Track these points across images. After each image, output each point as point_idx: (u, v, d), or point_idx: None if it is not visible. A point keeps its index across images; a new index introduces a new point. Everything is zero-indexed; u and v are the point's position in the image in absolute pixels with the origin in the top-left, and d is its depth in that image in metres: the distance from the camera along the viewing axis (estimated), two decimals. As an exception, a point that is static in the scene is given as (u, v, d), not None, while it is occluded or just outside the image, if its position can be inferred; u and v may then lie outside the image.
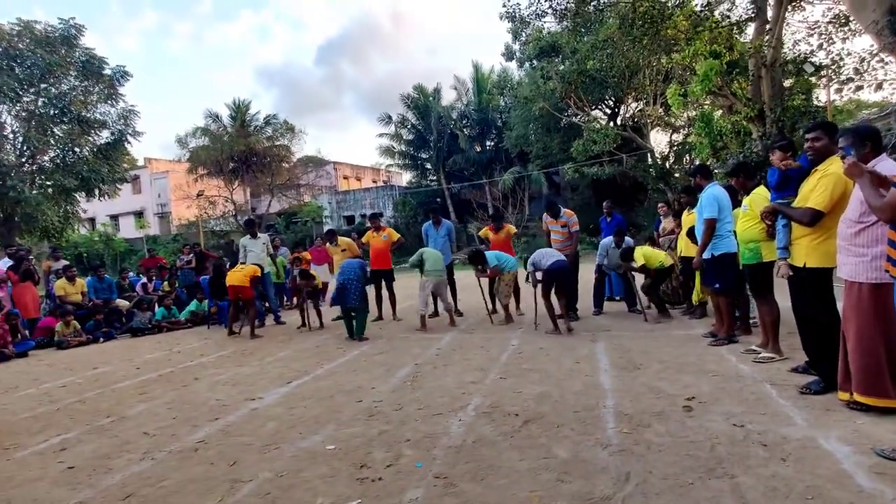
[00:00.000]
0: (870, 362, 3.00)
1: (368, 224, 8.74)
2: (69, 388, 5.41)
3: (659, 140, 26.62)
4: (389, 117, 37.13)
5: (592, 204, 29.37)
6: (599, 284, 7.76)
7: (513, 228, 8.39)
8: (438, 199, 36.46)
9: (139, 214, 43.28)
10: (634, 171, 24.62)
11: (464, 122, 36.66)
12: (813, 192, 3.44)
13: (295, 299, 10.34)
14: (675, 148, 24.99)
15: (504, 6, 16.63)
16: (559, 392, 4.00)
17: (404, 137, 37.80)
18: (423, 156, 38.62)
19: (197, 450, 3.41)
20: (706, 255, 5.08)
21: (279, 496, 2.67)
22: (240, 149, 34.03)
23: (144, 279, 11.39)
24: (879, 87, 12.79)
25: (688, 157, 23.64)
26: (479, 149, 36.22)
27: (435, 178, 38.23)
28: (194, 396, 4.73)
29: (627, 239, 7.61)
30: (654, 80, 21.24)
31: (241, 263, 8.30)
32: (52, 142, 17.66)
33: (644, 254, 6.69)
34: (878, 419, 2.98)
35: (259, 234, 8.76)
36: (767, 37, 13.98)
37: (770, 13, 14.73)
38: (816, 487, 2.35)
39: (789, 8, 14.68)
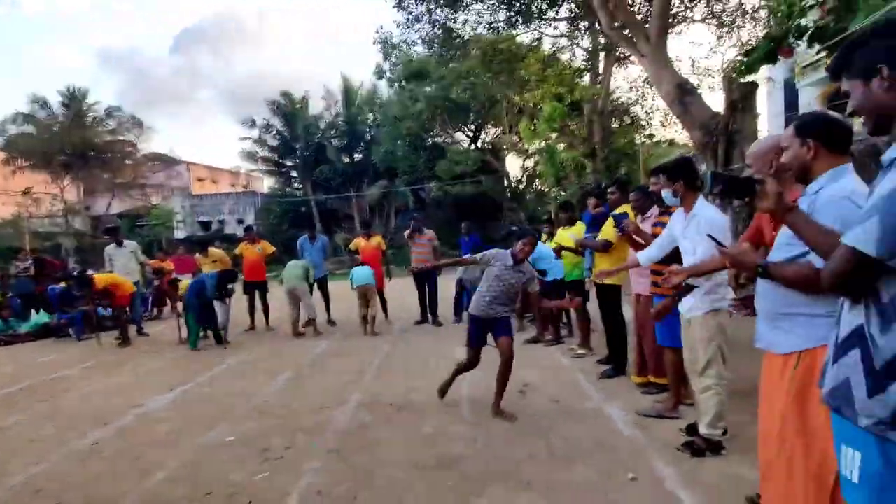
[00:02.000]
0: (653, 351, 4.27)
1: (242, 234, 8.93)
2: None
3: (513, 164, 29.36)
4: (254, 121, 35.92)
5: (454, 220, 31.32)
6: (459, 296, 8.83)
7: (383, 242, 9.14)
8: (304, 208, 35.99)
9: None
10: (492, 191, 26.91)
11: (332, 132, 36.72)
12: (607, 231, 4.74)
13: (155, 310, 10.05)
14: (526, 172, 27.78)
15: (377, 32, 17.50)
16: (425, 385, 4.85)
17: (269, 143, 36.78)
18: (289, 163, 37.88)
19: (94, 450, 3.66)
20: (551, 279, 6.24)
21: (193, 477, 3.14)
22: (74, 141, 30.47)
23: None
24: (671, 143, 15.91)
25: (537, 182, 26.44)
26: (347, 160, 36.48)
27: (300, 186, 37.66)
28: (70, 406, 4.77)
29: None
30: (510, 112, 23.59)
31: (109, 272, 8.00)
32: None
33: None
34: (648, 394, 4.26)
35: (126, 242, 8.48)
36: (599, 86, 16.62)
37: (601, 68, 17.55)
38: (599, 438, 3.45)
39: (616, 65, 17.62)
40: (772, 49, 8.66)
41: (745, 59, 8.85)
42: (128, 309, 8.10)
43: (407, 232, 8.75)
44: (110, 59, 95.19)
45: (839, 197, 1.61)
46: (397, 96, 28.34)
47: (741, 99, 9.27)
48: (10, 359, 7.28)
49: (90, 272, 7.97)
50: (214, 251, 9.51)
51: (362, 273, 7.83)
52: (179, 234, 35.73)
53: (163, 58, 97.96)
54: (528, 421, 3.83)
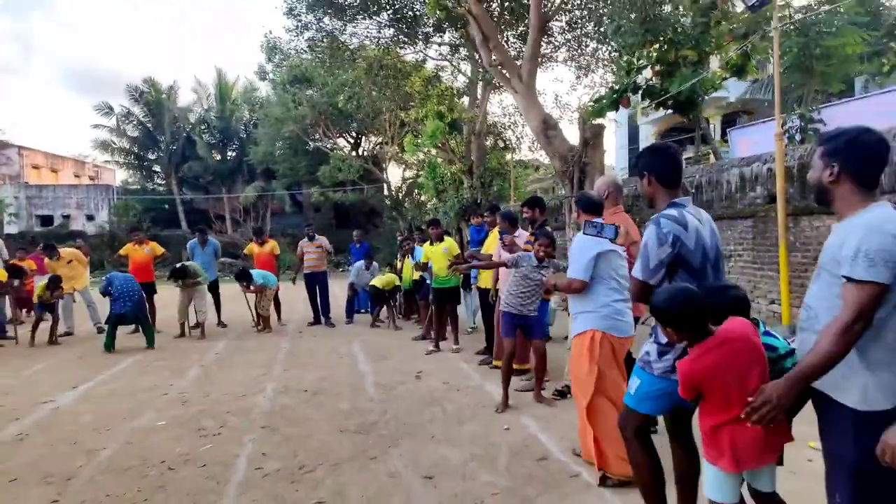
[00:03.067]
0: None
1: (132, 235, 8.77)
2: None
3: (395, 174, 30.33)
4: (111, 108, 32.86)
5: (334, 225, 31.49)
6: (351, 299, 9.51)
7: (277, 246, 9.51)
8: (167, 206, 33.66)
9: None
10: (373, 199, 27.61)
11: (203, 127, 34.80)
12: (490, 245, 5.85)
13: (23, 312, 9.40)
14: (407, 182, 28.90)
15: (265, 37, 17.58)
16: (332, 375, 5.55)
17: (128, 133, 33.87)
18: (151, 157, 35.20)
19: (22, 440, 3.86)
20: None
21: (140, 452, 3.57)
22: None
23: None
24: (536, 169, 18.06)
25: (416, 192, 27.68)
26: (218, 158, 34.80)
27: (164, 182, 35.11)
28: (-35, 406, 4.71)
29: (375, 264, 9.59)
30: (392, 124, 24.55)
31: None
32: None
33: (381, 281, 8.67)
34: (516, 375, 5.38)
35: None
36: (477, 110, 18.24)
37: (479, 92, 19.25)
38: (477, 404, 4.46)
39: (492, 91, 19.46)
40: (615, 99, 10.63)
41: (595, 105, 10.73)
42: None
43: (303, 240, 9.21)
44: (-87, 15, 79.30)
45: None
46: (278, 97, 27.90)
47: (592, 137, 11.10)
48: None
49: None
50: (68, 251, 8.95)
51: (256, 274, 8.22)
52: (11, 228, 31.45)
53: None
54: (425, 396, 4.74)
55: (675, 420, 2.32)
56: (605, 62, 15.03)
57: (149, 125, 33.58)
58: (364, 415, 4.29)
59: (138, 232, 8.82)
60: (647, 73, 11.45)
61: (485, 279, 6.16)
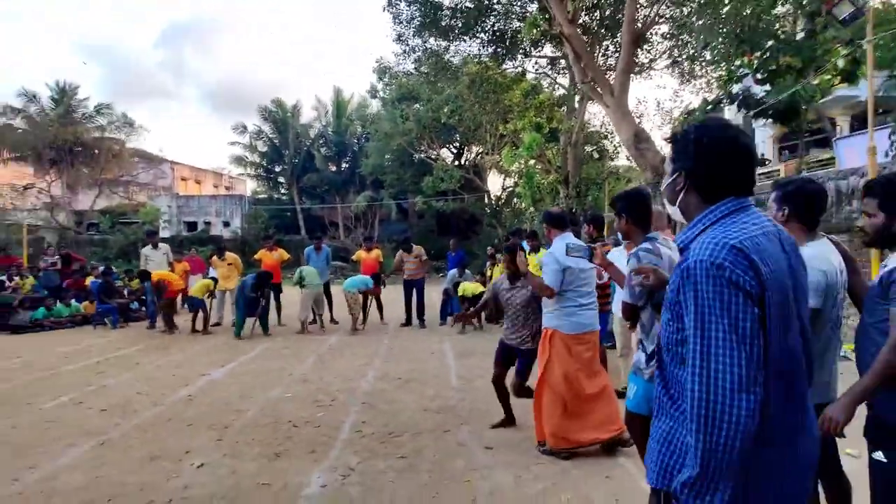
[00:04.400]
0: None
1: (265, 242, 10.42)
2: (15, 370, 6.39)
3: (494, 183, 31.20)
4: (245, 127, 37.10)
5: (436, 232, 32.97)
6: (445, 303, 10.43)
7: (381, 254, 10.69)
8: (289, 214, 37.17)
9: None
10: (473, 207, 28.67)
11: (321, 141, 38.08)
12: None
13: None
14: (506, 191, 29.63)
15: (376, 62, 19.26)
16: (423, 367, 6.45)
17: (259, 149, 37.97)
18: (277, 169, 39.09)
19: (191, 400, 5.16)
20: None
21: (273, 414, 4.67)
22: (62, 136, 31.15)
23: (6, 279, 11.33)
24: (628, 181, 17.95)
25: (516, 201, 28.31)
26: (334, 169, 37.87)
27: (287, 192, 38.86)
28: (148, 374, 6.22)
29: (467, 271, 10.45)
30: (493, 135, 25.44)
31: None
32: None
33: (464, 287, 9.50)
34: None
35: (160, 244, 9.88)
36: (574, 121, 18.55)
37: (577, 101, 19.50)
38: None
39: (590, 101, 19.61)
40: (708, 111, 10.60)
41: (687, 117, 10.75)
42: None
43: (401, 252, 10.30)
44: (94, 52, 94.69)
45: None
46: (387, 113, 29.97)
47: (684, 149, 11.18)
48: (66, 340, 8.61)
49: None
50: (230, 255, 10.88)
51: (358, 280, 9.39)
52: (165, 233, 36.49)
53: (145, 50, 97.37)
54: (498, 390, 5.47)
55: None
56: (704, 71, 14.72)
57: (275, 141, 37.39)
58: (445, 399, 5.11)
59: (269, 239, 10.41)
60: (749, 81, 11.24)
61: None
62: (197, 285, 9.44)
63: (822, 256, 2.08)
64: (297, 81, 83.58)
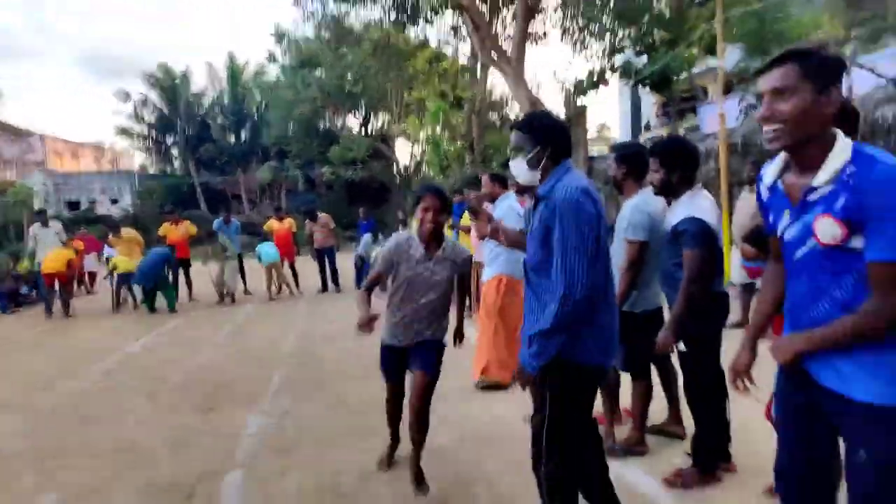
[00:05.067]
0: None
1: (168, 216, 10.11)
2: None
3: (402, 152, 31.39)
4: (128, 94, 34.15)
5: (345, 202, 32.73)
6: (360, 269, 10.79)
7: (294, 223, 10.77)
8: (186, 188, 35.09)
9: None
10: (382, 176, 28.78)
11: (217, 110, 35.99)
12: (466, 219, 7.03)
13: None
14: (414, 160, 29.98)
15: (274, 25, 18.56)
16: (343, 327, 6.81)
17: (146, 119, 35.20)
18: (169, 141, 36.54)
19: (111, 372, 5.23)
20: None
21: (204, 376, 4.91)
22: None
23: None
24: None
25: (425, 169, 28.78)
26: (233, 139, 36.06)
27: (182, 165, 36.55)
28: (58, 353, 6.12)
29: (380, 236, 10.85)
30: (399, 103, 25.53)
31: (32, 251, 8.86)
32: None
33: (376, 254, 9.97)
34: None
35: (51, 223, 9.31)
36: (477, 90, 19.20)
37: (479, 70, 20.13)
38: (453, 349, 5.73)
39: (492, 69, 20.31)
40: (595, 81, 11.59)
41: (578, 86, 11.70)
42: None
43: (308, 222, 10.51)
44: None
45: None
46: (288, 80, 28.93)
47: (575, 116, 12.17)
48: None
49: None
50: (128, 231, 10.44)
51: (270, 251, 9.52)
52: (39, 209, 33.10)
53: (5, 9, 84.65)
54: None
55: None
56: (590, 43, 15.82)
57: (165, 110, 34.82)
58: (366, 352, 5.57)
59: (174, 213, 10.13)
60: (630, 53, 12.36)
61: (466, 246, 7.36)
62: (53, 254, 8.74)
63: (647, 202, 2.75)
64: (184, 46, 76.97)
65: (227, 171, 34.67)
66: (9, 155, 34.71)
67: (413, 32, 20.11)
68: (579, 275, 1.80)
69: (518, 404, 3.74)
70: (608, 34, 11.81)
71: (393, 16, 18.92)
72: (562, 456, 1.97)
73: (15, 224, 27.08)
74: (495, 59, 12.79)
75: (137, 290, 9.14)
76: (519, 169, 2.02)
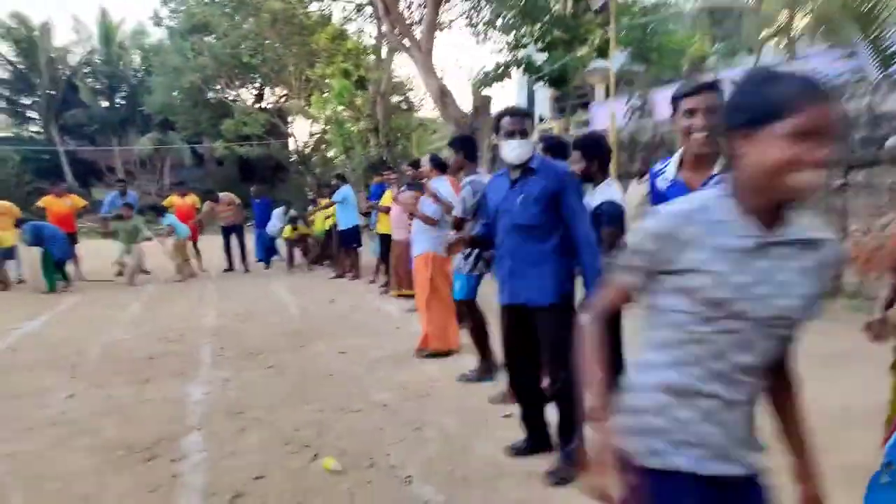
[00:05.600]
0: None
1: (53, 188, 9.20)
2: None
3: (301, 129, 30.42)
4: (-28, 45, 29.49)
5: (237, 179, 31.07)
6: (269, 248, 10.62)
7: (198, 200, 10.29)
8: (48, 156, 31.23)
9: None
10: (278, 154, 27.77)
11: (86, 70, 32.26)
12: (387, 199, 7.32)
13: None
14: (314, 138, 29.21)
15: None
16: (260, 305, 6.88)
17: (-2, 74, 30.70)
18: (26, 102, 32.21)
19: (14, 351, 4.91)
20: (345, 226, 8.60)
21: (123, 354, 4.79)
22: None
23: None
24: (434, 132, 19.74)
25: (324, 148, 28.19)
26: (106, 105, 32.61)
27: (43, 130, 32.39)
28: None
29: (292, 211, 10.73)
30: (298, 78, 24.69)
31: None
32: None
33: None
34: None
35: None
36: (382, 71, 19.22)
37: (384, 52, 20.14)
38: (378, 319, 6.05)
39: (397, 52, 20.40)
40: (500, 73, 12.27)
41: (483, 77, 12.32)
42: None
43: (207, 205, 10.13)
44: None
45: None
46: (175, 45, 26.71)
47: (481, 106, 12.80)
48: None
49: None
50: (1, 203, 9.36)
51: (183, 227, 9.13)
52: None
53: None
54: (335, 313, 6.27)
55: None
56: (495, 36, 16.57)
57: (21, 67, 30.58)
58: (291, 325, 5.74)
59: (61, 184, 9.26)
60: (532, 48, 13.18)
61: (384, 226, 7.63)
62: None
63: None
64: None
65: (99, 141, 31.35)
66: None
67: (316, 6, 19.63)
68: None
69: (451, 367, 4.20)
70: (512, 30, 12.51)
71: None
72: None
73: None
74: (405, 44, 13.01)
75: (17, 264, 8.34)
76: (521, 148, 2.55)
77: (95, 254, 9.65)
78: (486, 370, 3.91)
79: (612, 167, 8.53)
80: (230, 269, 10.13)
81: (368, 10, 19.39)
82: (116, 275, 8.92)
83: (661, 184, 2.07)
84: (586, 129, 14.68)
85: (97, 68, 32.26)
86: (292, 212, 10.51)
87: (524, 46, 12.85)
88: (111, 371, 4.28)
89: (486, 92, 12.48)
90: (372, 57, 21.28)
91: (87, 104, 30.70)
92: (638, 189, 5.95)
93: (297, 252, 10.43)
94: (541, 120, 27.29)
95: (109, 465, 2.80)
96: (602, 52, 12.38)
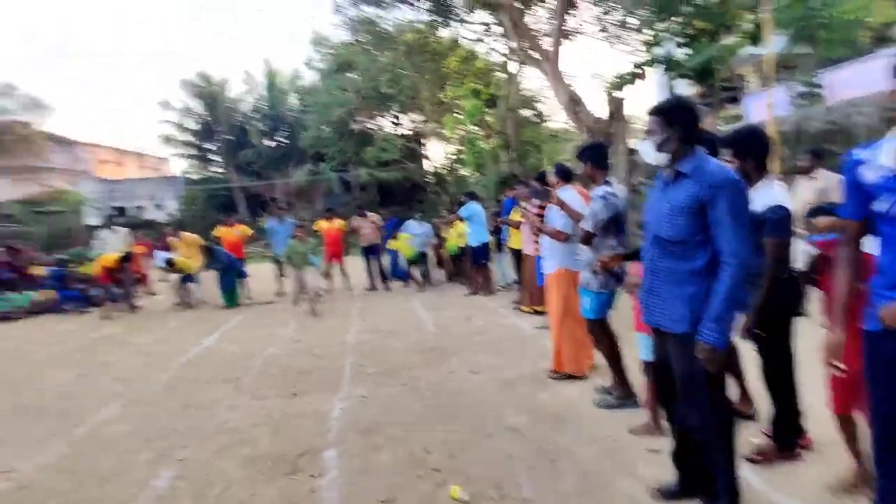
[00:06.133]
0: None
1: (225, 219, 10.58)
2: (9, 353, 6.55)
3: (437, 150, 31.65)
4: (168, 103, 35.44)
5: (378, 202, 33.19)
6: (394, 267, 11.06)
7: (344, 224, 11.08)
8: (226, 192, 36.15)
9: None
10: (416, 176, 29.16)
11: (255, 116, 37.01)
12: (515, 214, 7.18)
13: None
14: (449, 158, 30.20)
15: (313, 33, 19.02)
16: (400, 321, 7.12)
17: (188, 126, 36.45)
18: (209, 146, 37.74)
19: (195, 364, 5.61)
20: (475, 244, 8.68)
21: (278, 369, 5.23)
22: (-36, 123, 28.73)
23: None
24: (567, 142, 19.09)
25: (458, 167, 28.99)
26: (271, 144, 37.02)
27: (222, 170, 37.68)
28: (142, 349, 6.55)
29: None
30: (432, 102, 25.79)
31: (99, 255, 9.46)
32: None
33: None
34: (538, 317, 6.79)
35: (116, 228, 9.91)
36: (512, 86, 19.28)
37: (513, 69, 20.19)
38: (513, 336, 5.91)
39: (524, 67, 20.35)
40: (634, 74, 11.56)
41: (616, 80, 11.69)
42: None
43: (355, 218, 10.84)
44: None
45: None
46: (324, 84, 29.55)
47: (615, 111, 12.15)
48: (36, 328, 8.64)
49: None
50: (187, 235, 10.95)
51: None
52: (92, 221, 34.65)
53: (55, 24, 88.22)
54: (470, 330, 6.25)
55: None
56: (630, 36, 15.72)
57: (206, 117, 36.01)
58: (427, 343, 5.83)
59: (232, 216, 10.61)
60: (671, 43, 12.25)
61: (516, 241, 7.51)
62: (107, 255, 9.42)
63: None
64: (221, 55, 78.65)
65: (265, 175, 35.62)
66: (58, 164, 36.30)
67: (446, 31, 20.34)
68: (748, 243, 2.07)
69: (588, 390, 3.91)
70: (647, 27, 11.75)
71: (427, 17, 19.20)
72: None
73: (67, 231, 28.53)
74: (532, 55, 12.87)
75: (198, 287, 9.65)
76: (647, 150, 2.27)
77: (261, 276, 10.79)
78: (626, 395, 3.57)
79: (776, 163, 7.51)
80: (373, 288, 10.70)
81: (497, 28, 19.70)
82: (277, 294, 9.91)
83: (870, 174, 1.68)
84: (738, 124, 13.22)
85: (263, 112, 36.85)
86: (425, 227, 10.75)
87: (660, 43, 11.98)
88: (267, 385, 4.68)
89: (621, 95, 11.81)
90: (501, 74, 21.48)
91: (255, 144, 35.18)
92: (808, 186, 5.11)
93: (429, 269, 10.74)
94: (684, 119, 25.22)
95: (261, 476, 3.02)
96: (754, 38, 11.08)
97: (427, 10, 18.20)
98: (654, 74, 14.87)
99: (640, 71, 11.18)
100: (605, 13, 14.63)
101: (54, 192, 34.56)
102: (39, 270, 11.06)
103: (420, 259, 10.40)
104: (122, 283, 9.28)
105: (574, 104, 12.44)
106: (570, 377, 4.22)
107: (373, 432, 3.47)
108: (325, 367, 5.09)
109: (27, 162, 32.64)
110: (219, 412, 4.06)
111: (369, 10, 18.96)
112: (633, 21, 13.71)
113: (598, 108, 13.17)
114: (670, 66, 11.60)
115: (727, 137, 2.74)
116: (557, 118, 20.70)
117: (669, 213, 2.18)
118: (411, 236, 10.27)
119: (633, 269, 2.97)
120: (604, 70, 20.63)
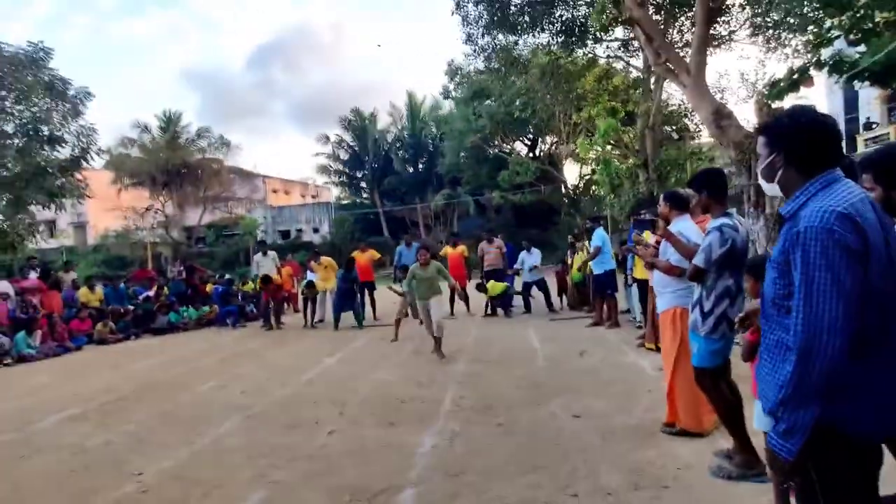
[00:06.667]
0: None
1: (358, 244, 11.28)
2: (167, 364, 7.58)
3: (570, 172, 30.89)
4: (327, 137, 39.24)
5: (513, 225, 33.16)
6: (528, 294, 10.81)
7: (466, 249, 11.21)
8: (371, 216, 38.82)
9: (52, 224, 41.51)
10: (550, 198, 28.63)
11: (398, 145, 39.49)
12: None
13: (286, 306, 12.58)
14: (583, 179, 29.25)
15: (448, 65, 19.86)
16: (511, 351, 6.90)
17: (341, 157, 39.97)
18: (359, 175, 40.93)
19: (312, 383, 5.94)
20: (599, 271, 8.19)
21: (382, 394, 5.32)
22: (171, 161, 34.54)
23: (148, 290, 13.05)
24: (711, 160, 17.24)
25: (594, 189, 27.91)
26: (412, 170, 39.14)
27: (368, 196, 40.64)
28: (272, 363, 7.14)
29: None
30: (566, 124, 25.27)
31: (256, 276, 10.58)
32: (18, 158, 18.28)
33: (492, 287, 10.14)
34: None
35: (268, 252, 11.06)
36: (650, 103, 18.10)
37: (652, 82, 18.99)
38: (629, 378, 5.37)
39: (667, 80, 19.00)
40: (795, 80, 10.13)
41: (771, 90, 10.34)
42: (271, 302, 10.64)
43: (482, 243, 10.84)
44: (191, 78, 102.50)
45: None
46: (460, 112, 30.61)
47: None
48: (197, 340, 9.93)
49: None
50: (326, 259, 11.86)
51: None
52: (260, 240, 39.33)
53: (238, 73, 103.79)
54: (583, 366, 5.81)
55: None
56: (788, 38, 13.94)
57: (356, 148, 39.26)
58: (534, 378, 5.53)
59: (361, 242, 11.29)
60: (840, 44, 10.58)
61: (641, 270, 6.89)
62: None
63: None
64: (375, 90, 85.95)
65: (406, 200, 37.67)
66: (241, 194, 41.95)
67: (581, 52, 19.85)
68: (829, 323, 1.42)
69: (705, 452, 3.36)
70: (812, 25, 10.26)
71: (560, 39, 18.92)
72: None
73: (244, 251, 32.76)
74: (672, 69, 11.94)
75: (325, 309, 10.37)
76: (761, 179, 1.76)
77: (387, 298, 11.26)
78: (750, 463, 2.97)
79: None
80: (492, 313, 10.59)
81: (634, 43, 18.75)
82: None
83: None
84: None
85: (405, 142, 39.21)
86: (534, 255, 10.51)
87: (829, 42, 10.37)
88: (368, 411, 4.77)
89: (778, 105, 10.43)
90: (639, 91, 20.35)
91: (398, 172, 37.53)
92: None
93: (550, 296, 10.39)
94: (867, 126, 21.66)
95: (338, 509, 3.02)
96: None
97: (559, 31, 17.94)
98: (821, 78, 12.93)
99: (809, 76, 9.74)
100: (756, 15, 13.16)
101: (235, 217, 40.09)
102: (209, 287, 12.78)
103: (505, 296, 10.22)
104: (275, 301, 10.30)
105: (719, 117, 11.24)
106: (687, 433, 3.66)
107: (454, 477, 3.32)
108: (425, 399, 5.06)
109: (217, 192, 38.37)
110: (318, 436, 4.20)
111: (500, 38, 19.20)
112: (793, 21, 12.11)
113: (751, 120, 11.81)
114: (840, 67, 9.97)
115: (867, 158, 2.16)
116: (704, 135, 18.92)
117: (769, 264, 1.69)
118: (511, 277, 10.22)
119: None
120: (756, 77, 18.34)
